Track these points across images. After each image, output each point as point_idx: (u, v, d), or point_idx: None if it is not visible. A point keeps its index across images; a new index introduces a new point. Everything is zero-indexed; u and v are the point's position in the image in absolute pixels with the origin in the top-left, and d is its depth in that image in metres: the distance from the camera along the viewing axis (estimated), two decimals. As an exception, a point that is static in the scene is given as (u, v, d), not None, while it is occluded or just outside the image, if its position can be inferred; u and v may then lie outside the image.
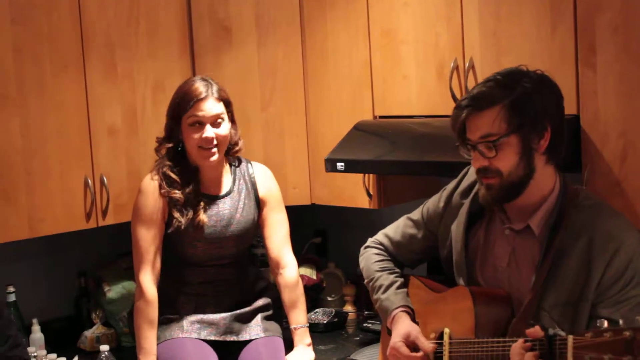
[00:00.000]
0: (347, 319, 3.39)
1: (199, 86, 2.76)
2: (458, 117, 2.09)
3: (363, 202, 3.16)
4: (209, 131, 2.74)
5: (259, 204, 2.92)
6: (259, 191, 2.91)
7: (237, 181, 2.89)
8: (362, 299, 3.44)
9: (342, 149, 3.00)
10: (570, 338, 1.77)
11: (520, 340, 1.92)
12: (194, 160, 2.81)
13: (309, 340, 2.90)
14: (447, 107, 2.58)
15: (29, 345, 2.97)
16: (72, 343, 3.23)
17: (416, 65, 2.93)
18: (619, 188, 2.43)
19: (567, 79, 2.48)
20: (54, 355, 2.91)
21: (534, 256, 2.12)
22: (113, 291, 3.24)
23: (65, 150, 2.99)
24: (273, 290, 3.00)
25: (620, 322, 1.69)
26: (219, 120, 2.76)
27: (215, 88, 2.78)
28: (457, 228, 2.29)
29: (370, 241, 2.57)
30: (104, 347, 2.85)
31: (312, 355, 2.88)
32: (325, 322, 3.31)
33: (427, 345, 2.21)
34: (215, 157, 2.77)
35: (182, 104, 2.75)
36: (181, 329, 2.80)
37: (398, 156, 2.84)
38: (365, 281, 2.51)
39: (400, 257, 2.50)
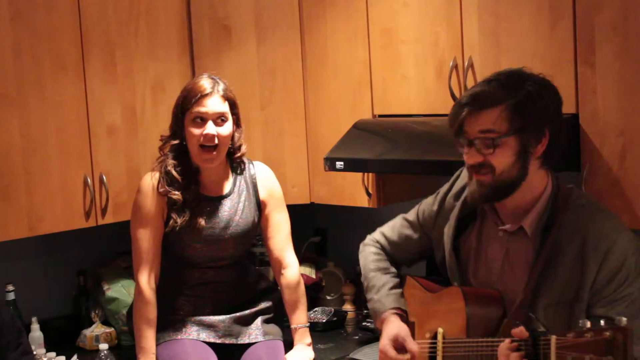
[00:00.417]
0: (346, 317, 3.40)
1: (205, 82, 2.75)
2: (458, 115, 2.07)
3: (362, 201, 3.16)
4: (210, 128, 2.71)
5: (260, 205, 2.90)
6: (259, 192, 2.89)
7: (237, 182, 2.88)
8: (361, 297, 3.41)
9: (341, 148, 3.00)
10: (554, 338, 1.78)
11: (507, 341, 1.92)
12: (195, 160, 2.81)
13: (309, 339, 2.90)
14: (446, 106, 2.57)
15: (28, 345, 2.98)
16: (71, 342, 3.23)
17: (415, 64, 2.93)
18: (618, 187, 2.43)
19: (566, 78, 2.48)
20: (53, 354, 2.90)
21: (527, 257, 2.12)
22: (112, 290, 3.24)
23: (65, 150, 2.99)
24: (275, 291, 2.99)
25: (616, 320, 1.69)
26: (222, 119, 2.75)
27: (221, 86, 2.76)
28: (447, 230, 2.29)
29: (368, 239, 2.57)
30: (103, 346, 2.84)
31: (312, 354, 2.87)
32: (324, 321, 3.32)
33: (413, 345, 2.22)
34: (213, 163, 2.76)
35: (187, 99, 2.74)
36: (180, 329, 2.79)
37: (397, 155, 2.84)
38: (362, 279, 2.52)
39: (396, 256, 2.50)
